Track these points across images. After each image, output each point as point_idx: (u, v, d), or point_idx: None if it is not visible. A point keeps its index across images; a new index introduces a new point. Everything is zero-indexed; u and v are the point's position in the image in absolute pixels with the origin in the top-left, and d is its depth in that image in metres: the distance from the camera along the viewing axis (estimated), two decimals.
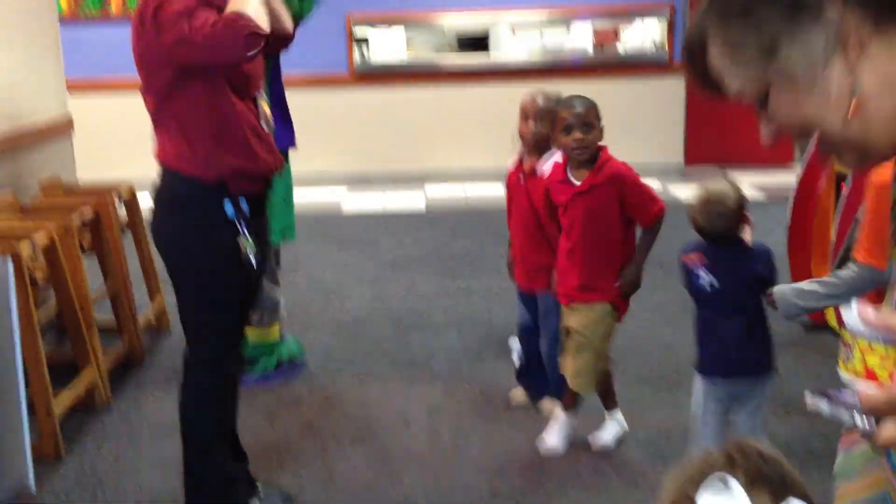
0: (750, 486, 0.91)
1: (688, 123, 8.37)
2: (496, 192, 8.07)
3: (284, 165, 3.52)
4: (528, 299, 3.67)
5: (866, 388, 0.93)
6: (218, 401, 2.85)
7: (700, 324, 2.86)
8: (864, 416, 0.92)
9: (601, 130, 3.17)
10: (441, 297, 5.21)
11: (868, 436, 0.92)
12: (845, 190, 3.95)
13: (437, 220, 7.07)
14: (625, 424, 3.46)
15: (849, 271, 2.33)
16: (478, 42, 8.53)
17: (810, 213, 4.45)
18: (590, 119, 3.14)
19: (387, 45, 8.50)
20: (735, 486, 0.90)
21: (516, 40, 8.59)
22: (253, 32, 2.45)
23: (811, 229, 4.45)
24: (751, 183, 8.05)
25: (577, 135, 3.11)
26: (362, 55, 8.43)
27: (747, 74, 1.00)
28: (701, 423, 2.87)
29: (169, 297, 4.74)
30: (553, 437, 3.38)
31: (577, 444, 3.40)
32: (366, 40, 8.45)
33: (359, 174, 8.51)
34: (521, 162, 3.61)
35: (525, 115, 3.51)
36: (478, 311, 4.94)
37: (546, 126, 3.38)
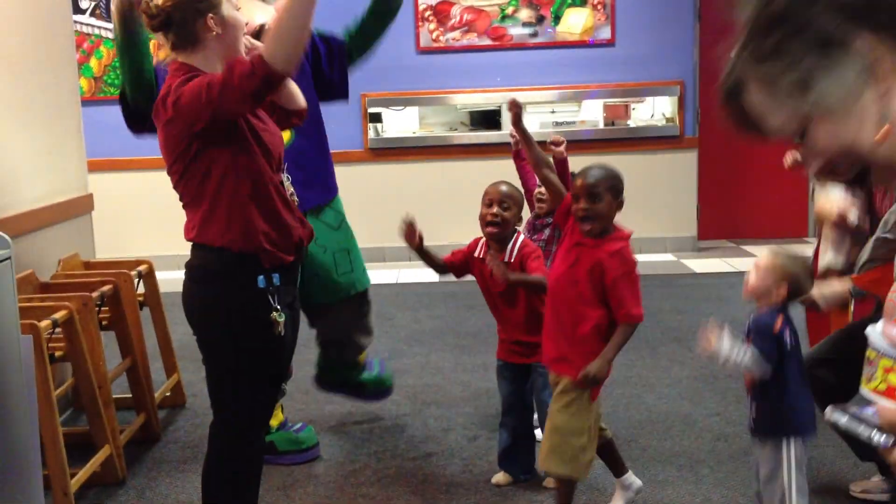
0: None
1: (700, 198, 8.42)
2: None
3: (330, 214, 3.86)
4: (506, 371, 3.78)
5: (886, 406, 0.96)
6: (241, 472, 2.83)
7: (793, 384, 2.87)
8: (881, 434, 0.94)
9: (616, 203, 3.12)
10: (458, 372, 5.18)
11: (885, 452, 0.95)
12: None
13: (452, 295, 7.09)
14: (638, 482, 3.41)
15: None
16: (490, 118, 8.66)
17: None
18: (597, 190, 3.08)
19: (400, 122, 8.66)
20: None
21: (528, 116, 8.69)
22: (268, 74, 2.48)
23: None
24: None
25: (583, 204, 3.09)
26: (376, 131, 8.57)
27: (785, 111, 1.05)
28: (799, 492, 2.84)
29: (186, 374, 4.77)
30: None
31: None
32: (379, 117, 8.60)
33: (374, 250, 8.56)
34: (486, 244, 3.76)
35: (489, 201, 3.71)
36: (494, 385, 4.90)
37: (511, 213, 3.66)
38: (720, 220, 8.78)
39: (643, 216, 8.16)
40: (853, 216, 3.00)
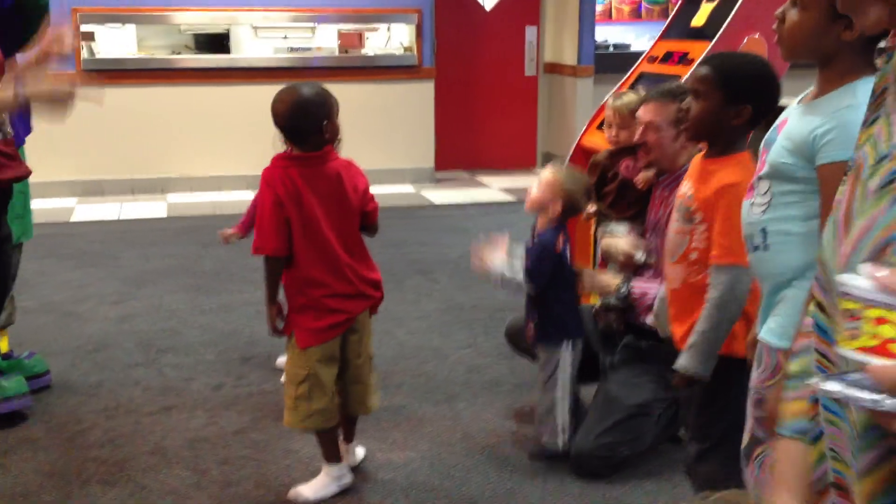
0: None
1: (437, 129, 8.37)
2: (245, 199, 7.70)
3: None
4: None
5: (880, 365, 0.81)
6: None
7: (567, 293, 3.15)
8: (888, 397, 0.79)
9: None
10: (195, 314, 4.79)
11: (887, 415, 0.80)
12: None
13: (184, 232, 6.59)
14: (359, 454, 3.19)
15: (717, 286, 2.28)
16: (216, 42, 8.10)
17: None
18: None
19: (117, 42, 7.88)
20: None
21: (259, 41, 8.25)
22: None
23: (573, 231, 4.49)
24: (499, 187, 8.19)
25: None
26: (90, 51, 7.75)
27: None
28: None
29: None
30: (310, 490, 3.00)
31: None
32: (93, 35, 7.78)
33: (90, 183, 7.80)
34: None
35: None
36: (238, 328, 4.58)
37: None
38: (456, 152, 8.81)
39: (382, 147, 8.01)
40: (640, 255, 3.12)
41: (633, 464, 3.14)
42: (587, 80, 8.49)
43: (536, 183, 3.09)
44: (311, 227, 2.78)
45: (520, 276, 2.99)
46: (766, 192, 1.98)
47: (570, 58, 8.63)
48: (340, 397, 2.94)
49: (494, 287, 3.06)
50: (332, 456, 2.98)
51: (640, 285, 3.05)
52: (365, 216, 2.87)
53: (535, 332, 3.17)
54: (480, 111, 8.95)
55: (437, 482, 3.08)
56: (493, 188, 8.18)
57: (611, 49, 8.99)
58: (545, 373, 3.17)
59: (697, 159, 2.44)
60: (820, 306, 1.16)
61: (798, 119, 1.92)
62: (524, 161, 9.06)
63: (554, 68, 8.91)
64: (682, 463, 3.02)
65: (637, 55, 4.45)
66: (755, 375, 2.03)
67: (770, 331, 1.99)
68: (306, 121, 2.74)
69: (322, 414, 2.87)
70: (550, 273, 3.06)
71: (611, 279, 3.15)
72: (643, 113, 2.93)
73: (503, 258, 3.00)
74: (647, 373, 3.13)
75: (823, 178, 1.86)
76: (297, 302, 2.87)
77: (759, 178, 2.00)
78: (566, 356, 3.15)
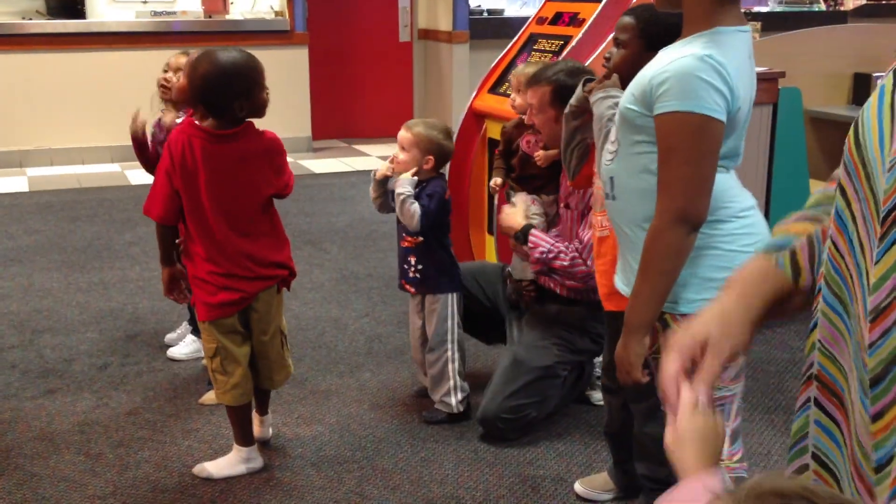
0: None
1: (313, 98, 8.16)
2: (112, 171, 7.33)
3: None
4: None
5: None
6: None
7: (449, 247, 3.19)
8: None
9: None
10: (71, 292, 4.51)
11: None
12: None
13: (48, 206, 6.21)
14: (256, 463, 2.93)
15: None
16: (70, 6, 7.65)
17: (465, 180, 4.44)
18: None
19: None
20: None
21: (117, 7, 7.84)
22: None
23: (467, 196, 4.45)
24: (378, 154, 8.07)
25: None
26: None
27: None
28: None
29: None
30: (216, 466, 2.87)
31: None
32: None
33: None
34: None
35: None
36: (119, 306, 4.34)
37: None
38: (332, 121, 8.63)
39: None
40: (536, 220, 3.11)
41: (543, 427, 3.13)
42: (463, 45, 8.44)
43: (398, 148, 3.07)
44: (198, 207, 2.62)
45: (411, 207, 2.96)
46: (614, 140, 1.99)
47: (444, 24, 8.55)
48: (251, 371, 2.81)
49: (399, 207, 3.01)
50: (244, 438, 2.85)
51: (536, 237, 3.01)
52: (278, 194, 2.72)
53: (416, 281, 3.14)
54: (355, 79, 8.77)
55: (349, 454, 2.99)
56: (372, 156, 8.06)
57: (485, 14, 8.96)
58: (433, 326, 3.15)
59: None
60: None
61: (649, 64, 1.91)
62: (400, 128, 8.95)
63: (428, 34, 8.82)
64: (599, 426, 3.04)
65: (511, 20, 4.42)
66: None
67: (627, 289, 2.01)
68: (219, 95, 2.55)
69: (236, 389, 2.75)
70: (439, 216, 3.06)
71: (517, 219, 3.11)
72: (529, 97, 2.95)
73: (409, 186, 2.98)
74: (553, 336, 3.12)
75: (658, 130, 1.85)
76: (192, 272, 2.73)
77: (613, 123, 2.01)
78: (452, 308, 3.15)
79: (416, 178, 3.00)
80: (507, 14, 9.03)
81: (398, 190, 2.99)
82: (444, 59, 8.62)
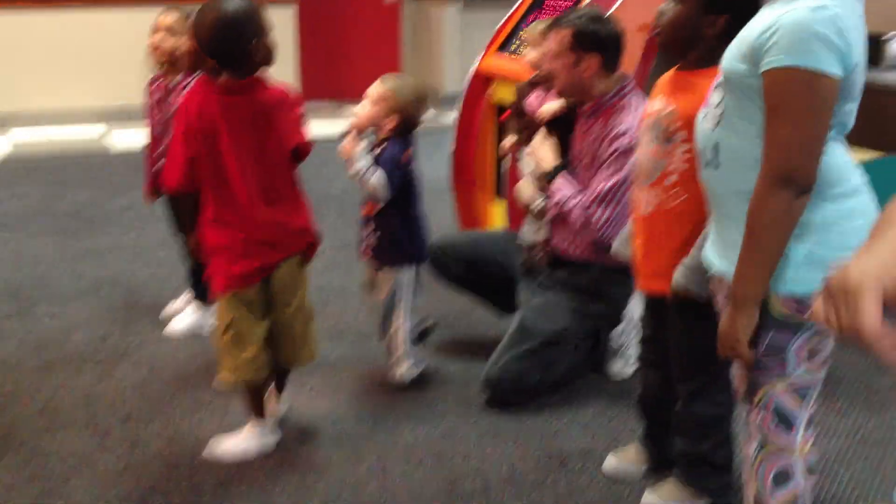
0: None
1: (302, 58, 7.98)
2: (99, 132, 7.13)
3: None
4: None
5: None
6: None
7: (413, 214, 3.06)
8: None
9: None
10: (66, 260, 4.37)
11: None
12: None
13: (35, 170, 6.02)
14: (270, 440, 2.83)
15: None
16: None
17: (471, 142, 4.33)
18: None
19: None
20: None
21: None
22: None
23: (473, 160, 4.34)
24: None
25: None
26: None
27: None
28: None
29: None
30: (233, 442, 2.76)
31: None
32: None
33: None
34: None
35: None
36: (115, 274, 4.20)
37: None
38: (321, 81, 8.45)
39: None
40: (538, 203, 3.05)
41: (561, 398, 3.05)
42: (454, 6, 8.27)
43: (364, 100, 2.94)
44: (222, 168, 2.48)
45: (370, 177, 2.85)
46: (718, 104, 1.85)
47: None
48: (271, 348, 2.69)
49: (353, 179, 2.90)
50: (257, 413, 2.74)
51: (564, 181, 2.92)
52: (295, 152, 2.59)
53: (372, 251, 3.06)
54: (343, 39, 8.59)
55: (368, 430, 2.90)
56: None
57: None
58: (388, 294, 3.07)
59: (669, 74, 2.27)
60: None
61: (755, 19, 1.79)
62: None
63: None
64: (620, 396, 2.97)
65: None
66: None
67: (733, 263, 1.83)
68: (231, 42, 2.41)
69: (251, 364, 2.62)
70: (398, 186, 2.92)
71: (549, 156, 3.01)
72: (550, 42, 2.86)
73: (366, 158, 2.86)
74: (564, 301, 3.03)
75: (765, 87, 1.71)
76: (210, 241, 2.60)
77: (715, 87, 1.87)
78: (405, 280, 3.06)
79: (366, 144, 2.86)
80: None
81: (353, 168, 2.84)
82: (434, 22, 8.45)
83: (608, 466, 2.63)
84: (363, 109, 2.92)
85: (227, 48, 2.41)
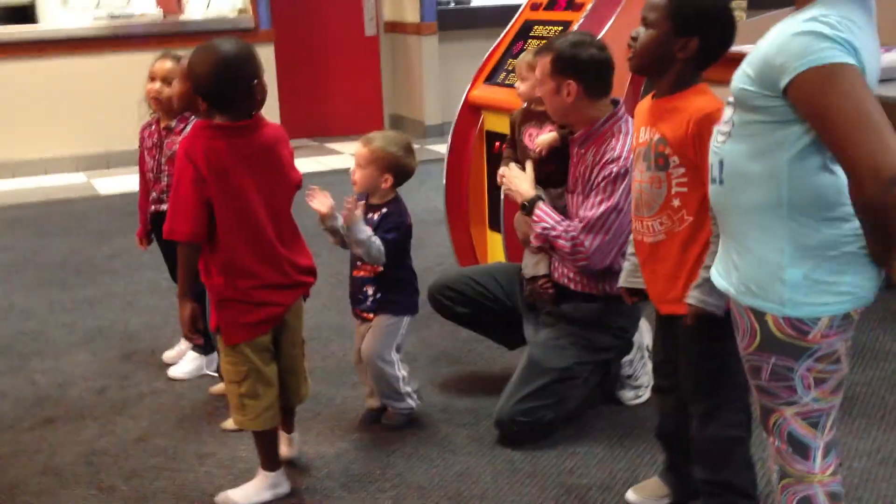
0: None
1: (280, 96, 7.94)
2: (78, 181, 7.04)
3: None
4: None
5: None
6: None
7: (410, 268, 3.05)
8: None
9: None
10: (56, 312, 4.28)
11: None
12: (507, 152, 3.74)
13: (18, 221, 5.93)
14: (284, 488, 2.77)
15: None
16: (20, 12, 7.36)
17: (464, 174, 4.30)
18: None
19: None
20: None
21: (68, 10, 7.56)
22: None
23: (467, 191, 4.31)
24: (351, 152, 7.85)
25: None
26: None
27: None
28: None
29: None
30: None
31: None
32: None
33: None
34: None
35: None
36: (109, 324, 4.12)
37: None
38: (301, 119, 8.41)
39: None
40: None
41: (575, 431, 3.00)
42: (431, 37, 8.27)
43: (354, 164, 2.89)
44: (241, 210, 2.42)
45: (371, 247, 2.78)
46: (728, 120, 1.83)
47: (411, 16, 8.37)
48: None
49: (356, 246, 2.81)
50: (271, 462, 2.67)
51: (543, 211, 2.90)
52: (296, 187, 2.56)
53: (374, 307, 2.97)
54: (323, 76, 8.57)
55: (379, 472, 2.83)
56: (344, 153, 7.87)
57: (452, 4, 8.79)
58: (381, 344, 2.96)
59: (645, 103, 2.29)
60: None
61: (763, 39, 1.77)
62: (371, 125, 8.69)
63: (395, 27, 8.63)
64: (634, 427, 2.92)
65: (479, 10, 4.18)
66: (738, 340, 1.90)
67: (732, 285, 1.84)
68: (234, 83, 2.38)
69: (270, 411, 2.58)
70: (403, 243, 2.93)
71: (525, 186, 2.99)
72: (536, 69, 2.88)
73: (366, 229, 2.78)
74: (570, 334, 2.99)
75: (797, 104, 1.66)
76: (221, 294, 2.51)
77: (727, 104, 1.86)
78: (404, 330, 3.00)
79: (361, 212, 2.78)
80: (475, 3, 8.86)
81: (357, 237, 2.76)
82: (412, 53, 8.44)
83: (631, 501, 2.58)
84: (356, 175, 2.87)
85: (230, 89, 2.38)
